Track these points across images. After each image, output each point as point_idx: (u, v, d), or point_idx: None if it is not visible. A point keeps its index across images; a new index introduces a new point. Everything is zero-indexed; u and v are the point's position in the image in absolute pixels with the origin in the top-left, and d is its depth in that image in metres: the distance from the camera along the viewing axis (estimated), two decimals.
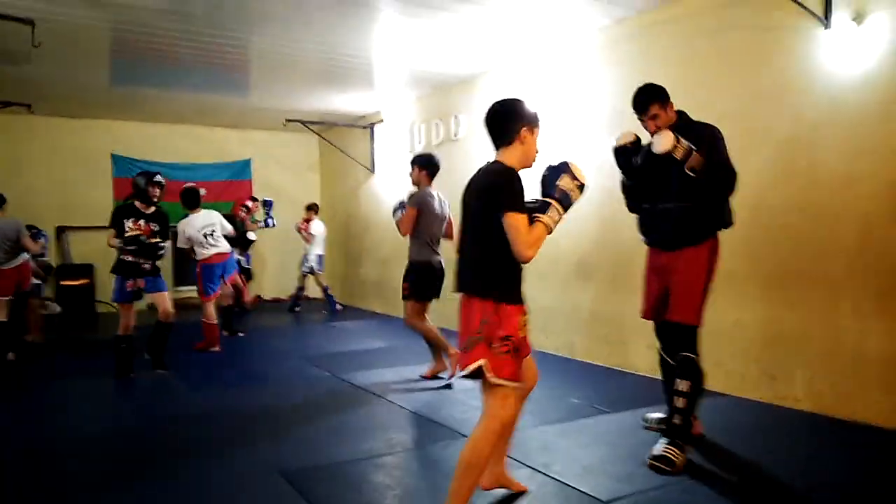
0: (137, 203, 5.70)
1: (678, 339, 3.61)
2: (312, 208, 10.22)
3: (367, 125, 10.44)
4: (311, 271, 9.98)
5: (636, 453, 3.69)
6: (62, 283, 9.86)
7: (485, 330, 2.58)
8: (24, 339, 6.69)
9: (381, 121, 10.10)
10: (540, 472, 3.40)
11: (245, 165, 11.65)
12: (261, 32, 6.23)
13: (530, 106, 2.83)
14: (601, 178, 6.07)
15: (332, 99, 9.18)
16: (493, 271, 2.64)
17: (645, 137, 3.73)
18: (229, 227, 7.17)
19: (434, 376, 5.56)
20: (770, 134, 4.66)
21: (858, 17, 4.14)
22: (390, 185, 9.96)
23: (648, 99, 3.64)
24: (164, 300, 5.80)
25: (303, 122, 10.31)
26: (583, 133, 6.23)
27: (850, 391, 4.19)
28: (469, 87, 7.98)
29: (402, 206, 5.58)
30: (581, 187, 2.71)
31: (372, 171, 10.49)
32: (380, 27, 6.15)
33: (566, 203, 2.67)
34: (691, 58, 5.23)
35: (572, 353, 6.42)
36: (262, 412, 4.78)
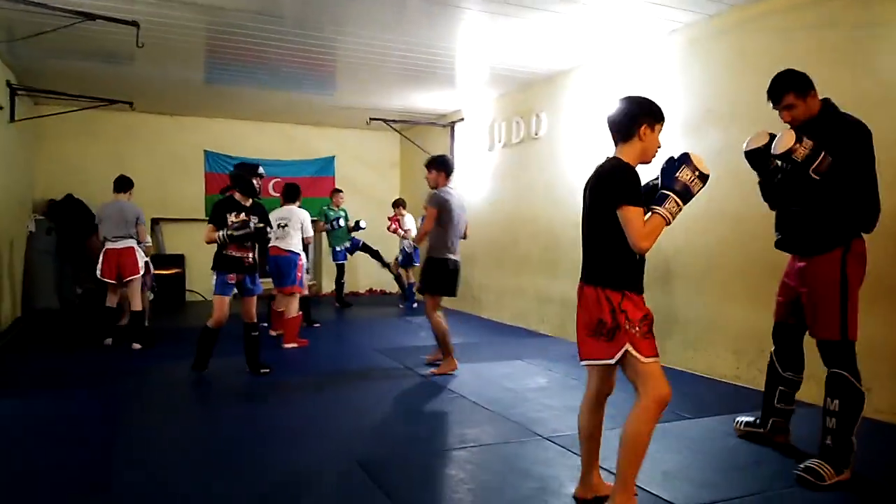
0: (237, 195, 5.60)
1: (826, 356, 3.35)
2: (400, 203, 10.29)
3: (447, 123, 10.52)
4: (406, 263, 10.12)
5: (718, 460, 3.58)
6: (155, 271, 10.36)
7: (620, 318, 2.67)
8: (120, 326, 7.01)
9: (462, 119, 10.15)
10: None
11: (329, 162, 11.95)
12: (346, 33, 6.37)
13: (653, 103, 2.86)
14: None
15: (413, 97, 9.30)
16: (614, 263, 2.73)
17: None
18: (308, 230, 7.15)
19: (432, 363, 5.94)
20: (878, 139, 4.38)
21: None
22: (469, 183, 9.99)
23: (783, 87, 3.40)
24: (252, 304, 5.64)
25: (385, 121, 10.49)
26: (671, 133, 6.05)
27: None
28: (551, 85, 7.90)
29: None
30: (703, 177, 2.72)
31: None
32: (463, 27, 6.18)
33: (686, 195, 2.69)
34: (786, 57, 4.96)
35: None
36: (340, 402, 4.89)
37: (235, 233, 5.39)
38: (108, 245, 6.78)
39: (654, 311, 6.47)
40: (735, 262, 5.40)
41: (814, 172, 3.19)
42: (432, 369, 5.78)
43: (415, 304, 10.22)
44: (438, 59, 7.23)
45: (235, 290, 5.59)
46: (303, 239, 7.06)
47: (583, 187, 2.92)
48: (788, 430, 3.80)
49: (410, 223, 10.02)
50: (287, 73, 7.83)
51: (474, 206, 9.80)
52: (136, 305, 6.85)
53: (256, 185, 5.68)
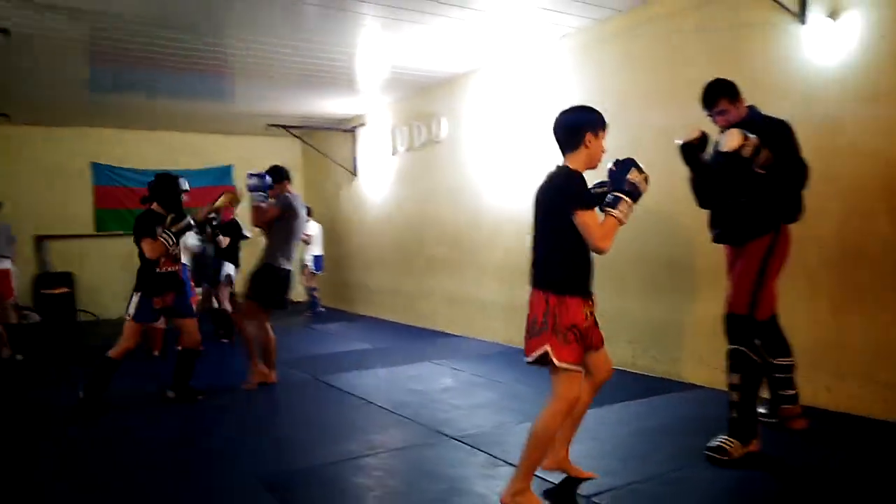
0: (156, 207, 5.16)
1: (730, 330, 3.52)
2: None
3: (349, 128, 10.42)
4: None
5: (618, 447, 3.70)
6: (42, 291, 9.75)
7: (549, 320, 2.79)
8: None
9: (364, 124, 10.09)
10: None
11: (226, 171, 11.57)
12: (240, 37, 6.18)
13: (594, 111, 2.95)
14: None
15: (313, 103, 9.15)
16: (557, 266, 2.85)
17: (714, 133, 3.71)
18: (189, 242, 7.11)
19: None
20: None
21: (834, 14, 4.17)
22: (373, 188, 9.94)
23: (716, 94, 3.59)
24: (193, 326, 5.08)
25: (284, 127, 10.27)
26: None
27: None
28: (450, 89, 7.97)
29: (263, 188, 5.28)
30: (647, 180, 2.85)
31: (354, 174, 10.47)
32: (362, 32, 6.13)
33: (636, 195, 2.81)
34: (670, 58, 5.25)
35: None
36: (240, 416, 4.73)
37: (176, 227, 4.96)
38: None
39: None
40: (630, 257, 5.61)
41: (759, 167, 3.37)
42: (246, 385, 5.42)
43: (321, 309, 10.18)
44: (337, 63, 7.14)
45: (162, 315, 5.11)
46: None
47: (533, 196, 2.97)
48: (803, 416, 3.84)
49: (312, 230, 9.90)
50: (178, 79, 7.51)
51: (380, 210, 9.78)
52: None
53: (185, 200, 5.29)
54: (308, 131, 10.98)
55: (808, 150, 4.27)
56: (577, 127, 2.89)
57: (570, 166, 2.88)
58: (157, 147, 10.94)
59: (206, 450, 3.97)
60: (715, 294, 4.85)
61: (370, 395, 5.10)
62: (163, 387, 5.18)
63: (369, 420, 4.49)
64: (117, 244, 10.67)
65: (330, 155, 10.84)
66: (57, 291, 9.84)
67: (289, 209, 5.39)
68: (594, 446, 3.74)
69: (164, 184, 5.27)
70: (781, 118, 3.59)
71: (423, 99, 8.52)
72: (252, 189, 5.27)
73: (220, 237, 7.27)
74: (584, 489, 3.10)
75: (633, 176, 2.80)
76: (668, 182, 5.21)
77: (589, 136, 2.87)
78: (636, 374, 5.47)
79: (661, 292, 5.38)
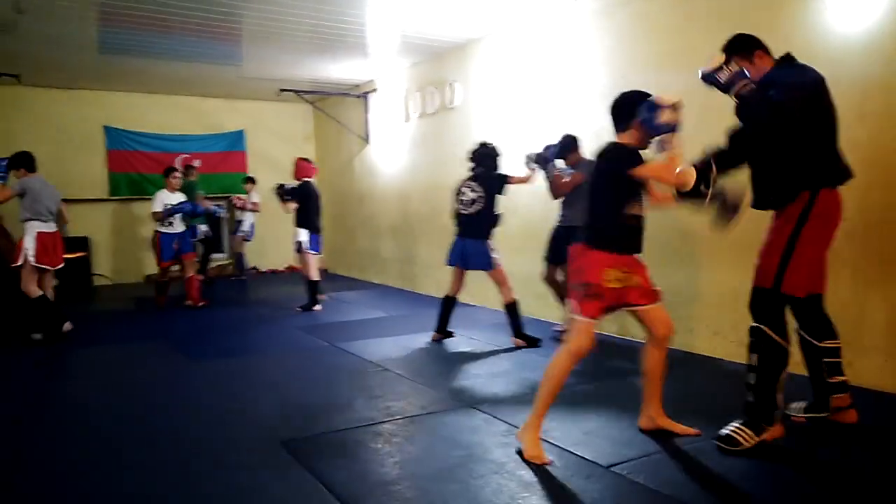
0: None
1: (753, 305, 3.25)
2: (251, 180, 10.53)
3: (361, 94, 10.33)
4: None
5: (634, 418, 3.70)
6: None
7: (573, 277, 3.23)
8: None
9: (375, 90, 9.99)
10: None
11: (239, 136, 11.54)
12: (253, 1, 6.10)
13: (644, 95, 3.12)
14: (601, 144, 6.03)
15: (325, 68, 9.06)
16: (596, 222, 3.22)
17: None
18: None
19: None
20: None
21: None
22: (385, 155, 9.88)
23: (727, 50, 3.32)
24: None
25: (296, 92, 10.19)
26: (581, 101, 6.16)
27: None
28: (464, 54, 7.86)
29: (547, 160, 5.48)
30: (675, 107, 2.97)
31: (367, 140, 10.40)
32: None
33: (674, 129, 2.97)
34: (688, 21, 5.14)
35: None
36: (261, 381, 4.79)
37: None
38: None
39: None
40: (649, 226, 5.56)
41: (735, 96, 3.22)
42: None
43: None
44: (349, 27, 7.04)
45: None
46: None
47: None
48: (853, 406, 3.45)
49: (256, 198, 10.36)
50: (190, 42, 7.44)
51: (392, 178, 9.73)
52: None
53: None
54: (320, 97, 10.90)
55: None
56: (628, 111, 3.14)
57: (620, 142, 3.19)
58: (170, 111, 10.90)
59: (226, 411, 4.03)
60: (733, 265, 4.85)
61: (386, 362, 5.14)
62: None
63: (386, 387, 4.53)
64: (131, 208, 10.73)
65: (342, 121, 10.76)
66: (73, 256, 9.88)
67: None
68: (609, 416, 3.76)
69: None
70: (811, 69, 3.19)
71: (437, 64, 8.41)
72: (549, 159, 5.49)
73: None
74: (602, 459, 3.13)
75: (663, 115, 2.93)
76: (686, 147, 5.16)
77: (636, 122, 3.11)
78: None
79: (677, 262, 5.35)
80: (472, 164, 5.70)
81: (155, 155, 10.77)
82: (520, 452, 3.18)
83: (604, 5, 5.93)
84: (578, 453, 3.20)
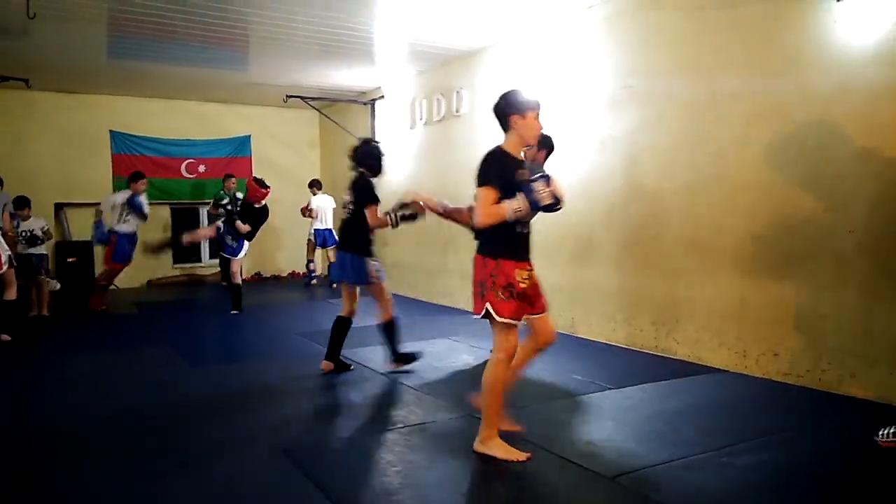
0: None
1: None
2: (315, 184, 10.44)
3: (367, 101, 10.34)
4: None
5: (639, 429, 3.68)
6: (68, 259, 9.85)
7: (488, 282, 3.17)
8: (27, 316, 6.66)
9: (382, 97, 10.00)
10: (543, 448, 3.38)
11: (245, 142, 11.56)
12: (259, 6, 6.12)
13: (516, 94, 3.27)
14: (605, 154, 6.04)
15: (332, 74, 9.08)
16: (491, 235, 3.20)
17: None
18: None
19: None
20: (780, 110, 4.57)
21: None
22: (391, 161, 9.86)
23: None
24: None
25: (303, 98, 10.21)
26: (587, 109, 6.15)
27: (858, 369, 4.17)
28: (471, 61, 7.87)
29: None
30: (555, 198, 3.08)
31: None
32: (381, 1, 6.04)
33: (534, 203, 3.06)
34: (699, 30, 5.13)
35: (574, 330, 6.39)
36: (262, 389, 4.76)
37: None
38: None
39: (574, 285, 6.63)
40: (653, 237, 5.55)
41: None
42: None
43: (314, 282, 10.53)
44: (356, 34, 7.05)
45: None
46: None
47: None
48: None
49: (320, 204, 10.31)
50: (197, 48, 7.46)
51: (398, 185, 9.71)
52: (9, 295, 6.47)
53: None
54: (326, 103, 10.91)
55: (844, 129, 4.18)
56: (503, 111, 3.25)
57: (502, 145, 3.25)
58: (176, 116, 10.94)
59: (229, 419, 3.99)
60: (740, 275, 4.82)
61: (388, 369, 5.10)
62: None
63: (389, 395, 4.50)
64: None
65: (348, 128, 10.77)
66: (76, 260, 9.92)
67: None
68: (615, 428, 3.73)
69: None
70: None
71: (443, 72, 8.42)
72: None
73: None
74: (605, 471, 3.09)
75: (537, 186, 3.06)
76: (693, 158, 5.16)
77: (515, 119, 3.21)
78: (658, 356, 5.44)
79: (684, 273, 5.32)
80: (352, 165, 5.18)
81: (160, 160, 10.80)
82: (490, 461, 3.18)
83: (612, 13, 5.92)
84: (583, 464, 3.17)
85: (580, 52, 6.27)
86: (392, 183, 9.87)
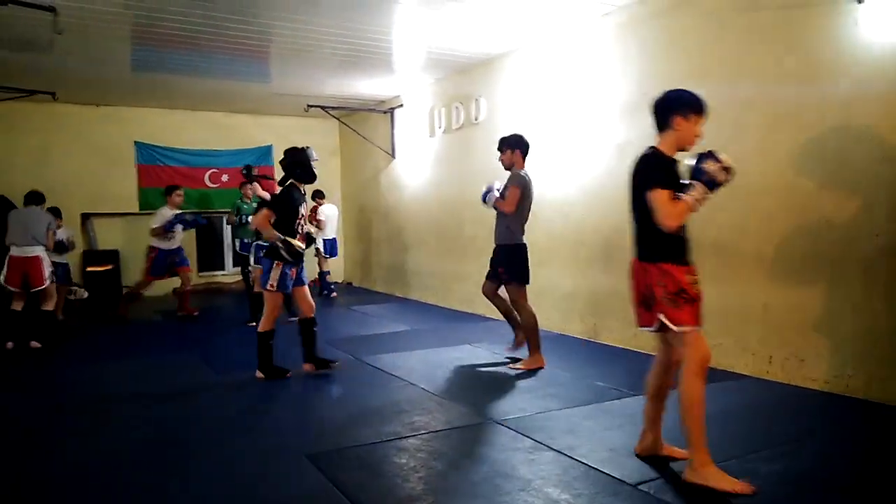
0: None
1: None
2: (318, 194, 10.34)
3: (387, 110, 10.41)
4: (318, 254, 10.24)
5: (663, 436, 3.65)
6: (88, 269, 10.00)
7: (657, 290, 2.98)
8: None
9: (401, 105, 10.06)
10: (565, 454, 3.38)
11: (266, 152, 11.68)
12: (281, 18, 6.21)
13: (686, 94, 3.07)
14: (624, 159, 6.01)
15: (352, 84, 9.16)
16: (654, 240, 3.03)
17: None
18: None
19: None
20: (800, 114, 4.54)
21: None
22: (411, 169, 9.93)
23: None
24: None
25: (323, 108, 10.31)
26: (604, 115, 6.14)
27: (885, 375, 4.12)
28: (489, 69, 7.90)
29: (489, 190, 5.44)
30: (726, 170, 2.91)
31: (392, 156, 10.47)
32: (399, 10, 6.10)
33: (710, 183, 2.91)
34: (717, 36, 5.11)
35: (595, 336, 6.37)
36: (286, 395, 4.81)
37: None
38: (14, 252, 6.61)
39: (596, 289, 6.62)
40: None
41: None
42: (518, 364, 5.36)
43: (333, 294, 10.34)
44: (375, 44, 7.12)
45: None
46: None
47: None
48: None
49: (328, 213, 10.23)
50: (220, 60, 7.58)
51: (417, 192, 9.77)
52: (48, 306, 6.75)
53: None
54: (346, 112, 11.00)
55: (867, 132, 4.15)
56: (667, 108, 3.04)
57: (658, 147, 3.05)
58: (200, 126, 11.10)
59: (252, 427, 4.04)
60: (762, 280, 4.78)
61: (411, 376, 5.13)
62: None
63: (411, 401, 4.52)
64: None
65: (368, 136, 10.85)
66: (102, 268, 10.07)
67: (524, 187, 5.34)
68: (637, 435, 3.71)
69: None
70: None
71: (462, 80, 8.45)
72: (483, 197, 5.49)
73: None
74: (628, 477, 3.09)
75: (708, 165, 2.89)
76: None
77: (678, 119, 3.00)
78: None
79: (705, 278, 5.25)
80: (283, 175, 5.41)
81: (184, 170, 10.96)
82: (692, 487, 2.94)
83: (627, 21, 5.92)
84: (605, 471, 3.17)
85: (597, 58, 6.27)
86: (410, 189, 9.96)
